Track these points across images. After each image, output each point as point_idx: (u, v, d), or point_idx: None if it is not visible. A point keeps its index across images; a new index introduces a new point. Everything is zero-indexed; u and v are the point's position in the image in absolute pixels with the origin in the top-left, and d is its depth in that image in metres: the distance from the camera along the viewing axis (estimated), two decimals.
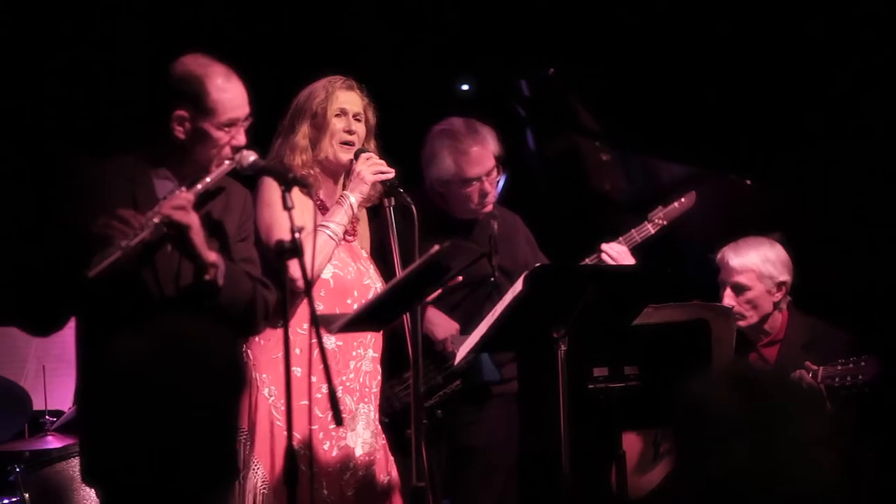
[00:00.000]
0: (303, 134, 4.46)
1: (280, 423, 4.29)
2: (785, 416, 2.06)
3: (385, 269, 4.58)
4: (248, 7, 6.37)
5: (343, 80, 4.52)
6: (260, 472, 4.28)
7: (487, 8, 6.51)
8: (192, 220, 3.65)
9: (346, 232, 4.48)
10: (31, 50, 6.19)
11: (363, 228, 4.67)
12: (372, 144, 4.54)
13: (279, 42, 6.37)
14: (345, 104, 4.48)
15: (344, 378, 4.40)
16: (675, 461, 2.13)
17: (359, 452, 4.43)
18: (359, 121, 4.50)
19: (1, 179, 6.21)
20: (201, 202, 3.75)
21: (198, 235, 3.65)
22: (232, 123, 3.78)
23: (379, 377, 4.55)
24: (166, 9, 6.22)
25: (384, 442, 4.54)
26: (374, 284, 4.51)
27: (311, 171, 4.46)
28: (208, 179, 3.76)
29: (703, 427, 2.08)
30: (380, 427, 4.54)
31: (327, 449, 4.37)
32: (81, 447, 3.96)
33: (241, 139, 3.81)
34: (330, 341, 4.32)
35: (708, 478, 2.06)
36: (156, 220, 3.59)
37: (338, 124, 4.46)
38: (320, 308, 4.34)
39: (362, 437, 4.45)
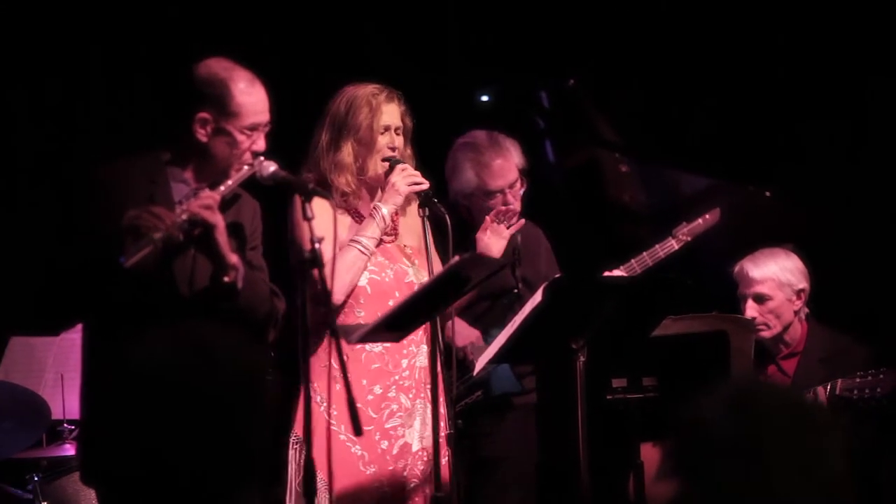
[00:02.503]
0: (348, 152, 4.43)
1: (335, 427, 4.33)
2: (782, 439, 2.04)
3: None
4: (271, 17, 6.39)
5: (385, 92, 4.48)
6: (319, 478, 4.32)
7: (507, 18, 6.51)
8: (219, 220, 3.66)
9: (385, 233, 4.49)
10: (51, 50, 6.23)
11: (412, 222, 4.60)
12: (408, 151, 4.53)
13: (299, 53, 6.39)
14: (389, 120, 4.45)
15: (397, 377, 4.43)
16: (675, 479, 2.12)
17: (416, 447, 4.44)
18: (398, 134, 4.49)
19: (17, 181, 6.25)
20: (222, 206, 3.76)
21: (222, 236, 3.66)
22: (254, 128, 3.79)
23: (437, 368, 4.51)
24: (187, 10, 6.25)
25: (444, 434, 4.47)
26: (419, 280, 4.49)
27: (354, 188, 4.46)
28: (230, 182, 3.77)
29: (702, 446, 2.07)
30: (444, 422, 4.50)
31: (386, 448, 4.41)
32: (83, 446, 3.95)
33: (260, 144, 3.82)
34: (376, 345, 4.38)
35: (706, 497, 2.05)
36: (184, 217, 3.60)
37: (383, 141, 4.45)
38: (361, 315, 4.40)
39: (419, 433, 4.46)
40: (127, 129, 6.09)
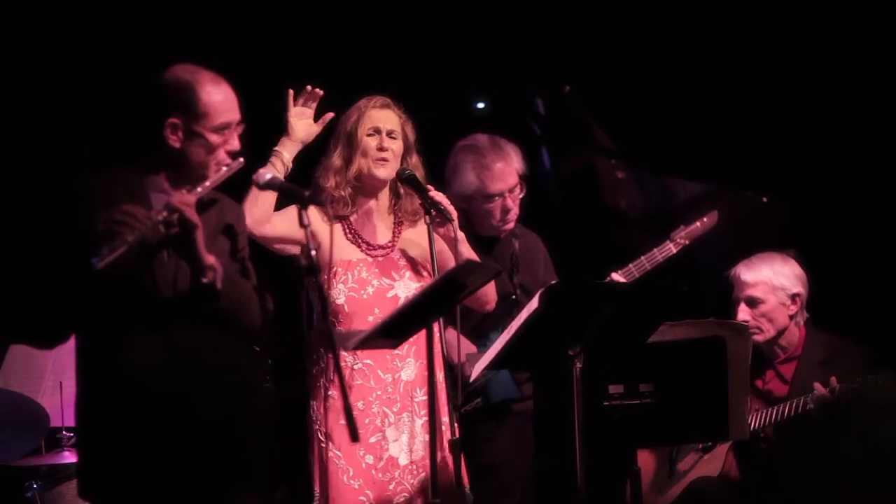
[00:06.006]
0: (338, 154, 4.58)
1: (324, 444, 4.42)
2: None
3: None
4: (265, 28, 6.40)
5: (378, 100, 4.61)
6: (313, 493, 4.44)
7: (503, 25, 6.53)
8: (196, 219, 3.66)
9: (378, 246, 4.55)
10: (27, 64, 6.23)
11: (418, 233, 4.65)
12: (413, 159, 4.61)
13: (296, 63, 6.40)
14: (378, 122, 4.57)
15: (380, 392, 4.47)
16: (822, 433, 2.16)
17: (403, 462, 4.46)
18: (394, 138, 4.57)
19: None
20: (201, 208, 3.75)
21: (200, 236, 3.66)
22: (225, 127, 3.77)
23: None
24: (162, 22, 6.27)
25: (441, 451, 4.50)
26: (405, 294, 4.53)
27: (342, 193, 4.54)
28: (207, 183, 3.75)
29: (861, 412, 2.10)
30: (438, 435, 4.48)
31: (371, 462, 4.44)
32: (82, 459, 3.94)
33: (235, 144, 3.80)
34: (357, 362, 4.45)
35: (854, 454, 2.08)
36: (160, 216, 3.60)
37: (371, 143, 4.55)
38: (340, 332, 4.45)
39: (408, 446, 4.48)
40: (108, 143, 6.08)
